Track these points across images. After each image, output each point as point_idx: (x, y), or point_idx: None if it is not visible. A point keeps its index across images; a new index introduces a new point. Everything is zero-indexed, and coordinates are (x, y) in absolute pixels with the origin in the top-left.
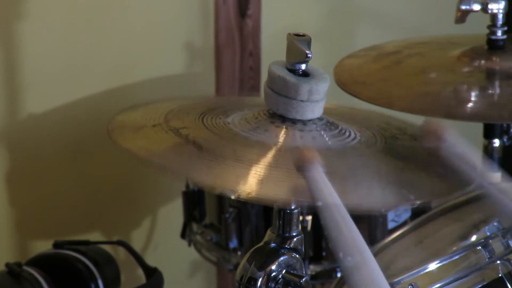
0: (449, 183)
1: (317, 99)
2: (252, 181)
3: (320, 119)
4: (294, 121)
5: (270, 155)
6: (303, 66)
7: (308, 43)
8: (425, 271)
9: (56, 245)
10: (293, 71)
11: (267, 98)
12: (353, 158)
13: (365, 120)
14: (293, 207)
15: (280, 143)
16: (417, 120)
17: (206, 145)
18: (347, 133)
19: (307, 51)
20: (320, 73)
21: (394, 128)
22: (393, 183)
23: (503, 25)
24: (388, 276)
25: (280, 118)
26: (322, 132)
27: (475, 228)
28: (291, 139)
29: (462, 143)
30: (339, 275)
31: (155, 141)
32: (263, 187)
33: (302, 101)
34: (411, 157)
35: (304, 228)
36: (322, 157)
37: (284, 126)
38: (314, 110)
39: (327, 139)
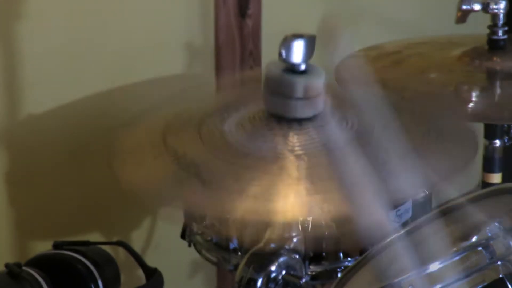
0: (453, 161)
1: (314, 95)
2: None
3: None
4: (289, 123)
5: (272, 182)
6: (302, 66)
7: (289, 43)
8: (425, 272)
9: (56, 245)
10: (288, 70)
11: (264, 100)
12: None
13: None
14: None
15: (282, 160)
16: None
17: (208, 176)
18: (345, 123)
19: (282, 50)
20: (315, 69)
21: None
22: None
23: (503, 25)
24: (388, 277)
25: (276, 120)
26: (320, 132)
27: (476, 228)
28: (291, 149)
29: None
30: (339, 275)
31: (158, 178)
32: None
33: (298, 98)
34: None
35: (304, 228)
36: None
37: (281, 134)
38: (312, 107)
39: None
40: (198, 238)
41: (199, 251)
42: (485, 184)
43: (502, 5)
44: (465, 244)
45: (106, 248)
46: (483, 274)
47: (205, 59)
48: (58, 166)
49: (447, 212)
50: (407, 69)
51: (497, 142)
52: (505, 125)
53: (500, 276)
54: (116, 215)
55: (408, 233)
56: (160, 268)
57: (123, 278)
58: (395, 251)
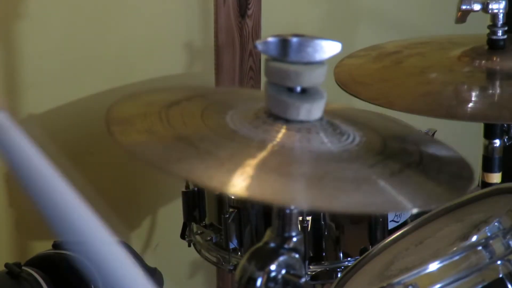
0: (446, 189)
1: (318, 98)
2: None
3: (320, 119)
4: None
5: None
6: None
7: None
8: (425, 272)
9: (56, 245)
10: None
11: (268, 99)
12: (347, 162)
13: (367, 121)
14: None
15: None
16: (417, 120)
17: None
18: (346, 136)
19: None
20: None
21: (395, 132)
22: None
23: (503, 25)
24: (389, 277)
25: (280, 119)
26: (321, 134)
27: (476, 228)
28: (288, 140)
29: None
30: (339, 275)
31: (159, 143)
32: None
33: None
34: (410, 161)
35: (304, 228)
36: (318, 160)
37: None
38: (314, 109)
39: (326, 142)
40: (198, 238)
41: (199, 251)
42: (484, 183)
43: (501, 5)
44: (465, 243)
45: None
46: (483, 274)
47: (205, 59)
48: (58, 166)
49: (447, 212)
50: (407, 69)
51: (497, 142)
52: (505, 125)
53: (500, 276)
54: (116, 215)
55: (408, 232)
56: (160, 268)
57: None
58: (395, 251)
